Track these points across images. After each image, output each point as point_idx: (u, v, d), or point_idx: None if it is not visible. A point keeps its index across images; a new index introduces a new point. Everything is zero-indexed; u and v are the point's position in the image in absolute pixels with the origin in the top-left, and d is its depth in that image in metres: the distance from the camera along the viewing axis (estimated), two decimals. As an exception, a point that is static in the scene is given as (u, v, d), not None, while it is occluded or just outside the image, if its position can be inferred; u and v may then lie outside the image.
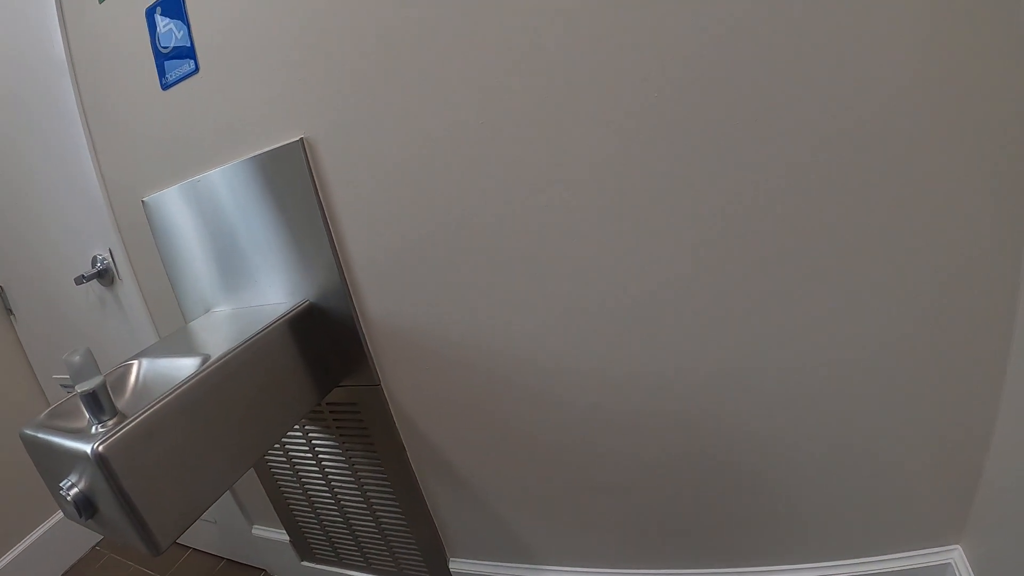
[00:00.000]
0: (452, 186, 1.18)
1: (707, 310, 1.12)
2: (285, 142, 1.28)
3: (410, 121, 1.16)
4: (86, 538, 2.61)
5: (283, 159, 1.29)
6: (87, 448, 0.92)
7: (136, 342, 1.83)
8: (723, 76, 0.95)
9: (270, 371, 1.28)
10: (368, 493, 1.68)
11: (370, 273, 1.35)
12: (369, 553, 1.84)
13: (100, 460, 0.92)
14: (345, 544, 1.87)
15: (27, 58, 1.60)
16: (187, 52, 1.32)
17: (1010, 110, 0.87)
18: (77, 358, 0.97)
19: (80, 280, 1.75)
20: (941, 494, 1.17)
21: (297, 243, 1.37)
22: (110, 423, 0.98)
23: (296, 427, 1.66)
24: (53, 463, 1.03)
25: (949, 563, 1.20)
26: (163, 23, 1.32)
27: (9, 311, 2.37)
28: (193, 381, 1.10)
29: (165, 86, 1.39)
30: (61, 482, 1.00)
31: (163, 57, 1.36)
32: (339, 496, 1.74)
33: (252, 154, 1.32)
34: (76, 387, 0.97)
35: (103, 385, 0.99)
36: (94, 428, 0.98)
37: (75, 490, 0.99)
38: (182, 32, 1.31)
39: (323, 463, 1.69)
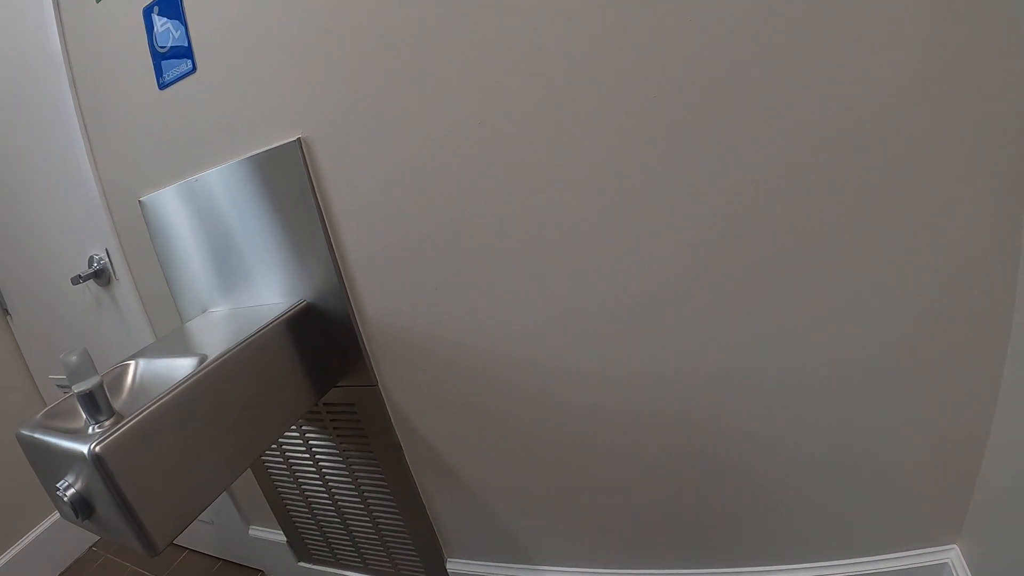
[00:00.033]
0: (451, 186, 1.18)
1: (707, 310, 1.12)
2: (282, 142, 1.28)
3: (409, 121, 1.16)
4: (83, 539, 2.61)
5: (280, 159, 1.29)
6: (84, 448, 0.92)
7: (133, 342, 1.82)
8: (723, 76, 0.95)
9: (267, 371, 1.28)
10: (365, 493, 1.68)
11: (368, 273, 1.35)
12: (366, 553, 1.84)
13: (97, 460, 0.92)
14: (342, 545, 1.87)
15: (24, 57, 1.60)
16: (184, 52, 1.32)
17: (1010, 110, 0.87)
18: (74, 358, 0.96)
19: (77, 280, 1.74)
20: (938, 494, 1.17)
21: (294, 243, 1.36)
22: (107, 423, 0.97)
23: (293, 427, 1.66)
24: (50, 464, 1.03)
25: (946, 563, 1.21)
26: (160, 23, 1.32)
27: (5, 311, 2.37)
28: (190, 381, 1.10)
29: (162, 86, 1.38)
30: (58, 483, 1.00)
31: (160, 57, 1.35)
32: (336, 496, 1.74)
33: (249, 154, 1.32)
34: (73, 387, 0.97)
35: (100, 385, 0.98)
36: (91, 428, 0.97)
37: (72, 491, 0.98)
38: (179, 32, 1.30)
39: (320, 463, 1.69)
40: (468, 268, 1.24)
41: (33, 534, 2.42)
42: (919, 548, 1.24)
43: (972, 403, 1.08)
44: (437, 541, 1.68)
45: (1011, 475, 1.04)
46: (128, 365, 1.29)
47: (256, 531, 2.09)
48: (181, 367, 1.17)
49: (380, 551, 1.80)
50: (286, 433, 1.67)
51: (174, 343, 1.39)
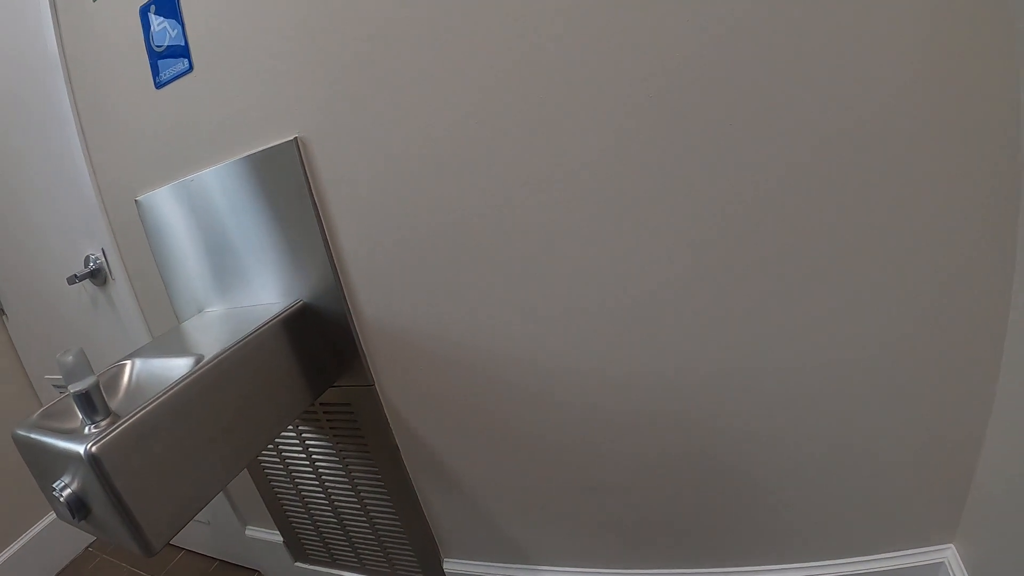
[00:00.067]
0: (449, 185, 1.18)
1: (707, 310, 1.12)
2: (279, 141, 1.27)
3: (406, 120, 1.16)
4: (79, 539, 2.60)
5: (277, 158, 1.29)
6: (80, 449, 0.91)
7: (129, 342, 1.82)
8: (723, 76, 0.95)
9: (263, 371, 1.28)
10: (362, 493, 1.67)
11: (364, 273, 1.34)
12: (363, 553, 1.84)
13: (93, 461, 0.91)
14: (339, 545, 1.87)
15: (20, 56, 1.59)
16: (181, 51, 1.31)
17: (1010, 110, 0.87)
18: (70, 358, 0.96)
19: (73, 280, 1.73)
20: (935, 494, 1.18)
21: (291, 243, 1.36)
22: (103, 423, 0.97)
23: (290, 427, 1.65)
24: (46, 464, 1.02)
25: (943, 562, 1.21)
26: (157, 22, 1.32)
27: (1, 311, 2.36)
28: (186, 381, 1.09)
29: (159, 85, 1.38)
30: (54, 483, 0.99)
31: (157, 56, 1.35)
32: (333, 496, 1.73)
33: (246, 153, 1.32)
34: (69, 387, 0.96)
35: (96, 385, 0.98)
36: (87, 428, 0.97)
37: (68, 491, 0.98)
38: (176, 31, 1.30)
39: (317, 463, 1.69)
40: (465, 268, 1.24)
41: (29, 534, 2.42)
42: (916, 547, 1.24)
43: (968, 403, 1.08)
44: (434, 541, 1.68)
45: (1007, 475, 1.04)
46: (124, 365, 1.28)
47: (252, 531, 2.09)
48: (177, 367, 1.17)
49: (377, 551, 1.79)
50: (283, 433, 1.67)
51: (170, 343, 1.39)
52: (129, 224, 1.62)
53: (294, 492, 1.80)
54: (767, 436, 1.20)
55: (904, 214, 0.96)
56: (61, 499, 0.98)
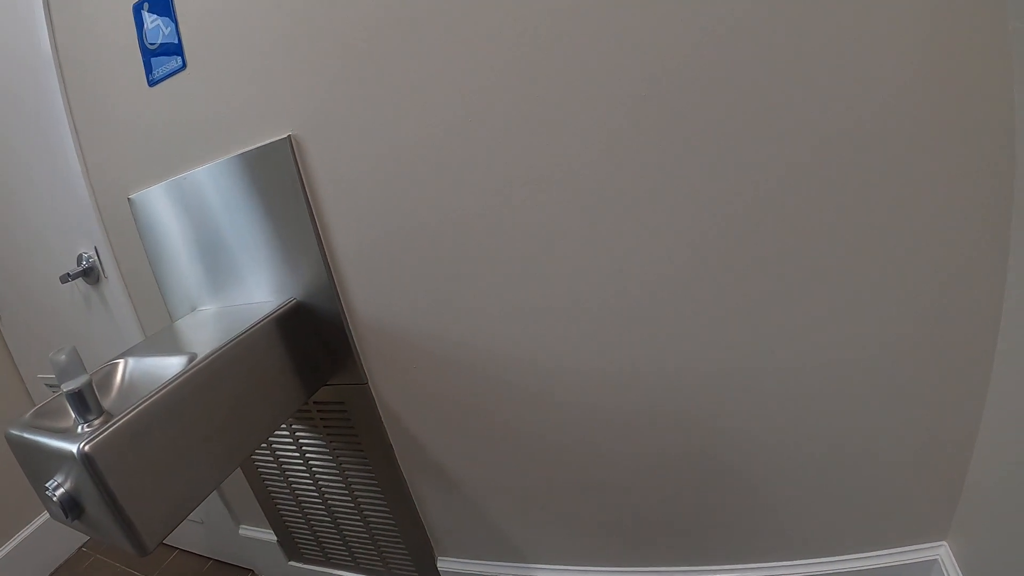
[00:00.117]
0: (444, 183, 1.18)
1: (707, 310, 1.12)
2: (272, 139, 1.27)
3: (400, 118, 1.16)
4: (73, 539, 2.59)
5: (270, 156, 1.28)
6: (73, 448, 0.91)
7: (122, 341, 1.82)
8: (723, 76, 0.95)
9: (257, 370, 1.27)
10: (355, 492, 1.67)
11: (358, 271, 1.34)
12: (357, 552, 1.83)
13: (86, 460, 0.91)
14: (333, 544, 1.86)
15: (13, 53, 1.58)
16: (174, 49, 1.31)
17: (1010, 110, 0.87)
18: (63, 357, 0.96)
19: (65, 278, 1.73)
20: (929, 492, 1.19)
21: (284, 241, 1.36)
22: (96, 422, 0.97)
23: (283, 426, 1.65)
24: (39, 463, 1.02)
25: (936, 559, 1.22)
26: (150, 19, 1.31)
27: (-7, 310, 2.35)
28: (179, 380, 1.09)
29: (152, 83, 1.37)
30: (47, 482, 0.99)
31: (150, 53, 1.35)
32: (326, 495, 1.73)
33: (239, 151, 1.32)
34: (62, 386, 0.96)
35: (89, 384, 0.98)
36: (80, 428, 0.97)
37: (61, 490, 0.98)
38: (169, 28, 1.29)
39: (310, 462, 1.69)
40: (461, 266, 1.24)
41: (22, 535, 2.41)
42: (909, 545, 1.25)
43: (962, 403, 1.09)
44: (428, 539, 1.68)
45: (999, 473, 1.05)
46: (117, 364, 1.28)
47: (246, 530, 2.08)
48: (170, 366, 1.17)
49: (371, 550, 1.79)
50: (276, 432, 1.67)
51: (163, 342, 1.38)
52: (122, 222, 1.61)
53: (288, 491, 1.80)
54: (766, 436, 1.20)
55: (904, 214, 0.96)
56: (54, 499, 0.97)
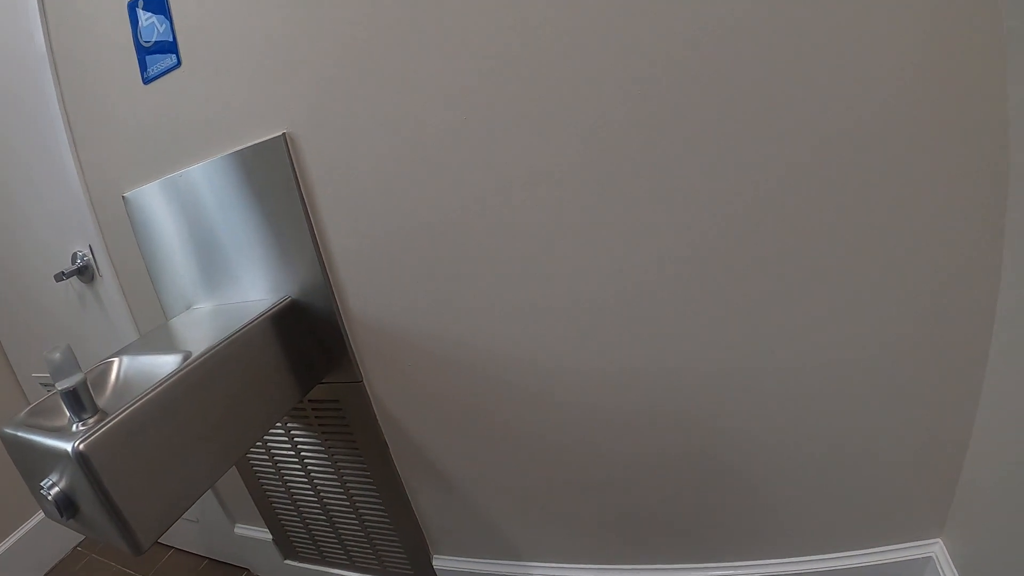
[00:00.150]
0: (439, 181, 1.18)
1: (707, 310, 1.12)
2: (267, 137, 1.27)
3: (396, 116, 1.16)
4: (68, 538, 2.59)
5: (265, 154, 1.28)
6: (68, 446, 0.91)
7: (117, 339, 1.81)
8: (723, 76, 0.95)
9: (252, 368, 1.27)
10: (351, 491, 1.67)
11: (352, 269, 1.34)
12: (352, 551, 1.83)
13: (81, 459, 0.91)
14: (328, 542, 1.86)
15: (7, 51, 1.58)
16: (169, 46, 1.31)
17: (1010, 110, 0.87)
18: (57, 355, 0.95)
19: (60, 277, 1.73)
20: (924, 490, 1.19)
21: (279, 239, 1.36)
22: (91, 421, 0.97)
23: (278, 425, 1.65)
24: (34, 462, 1.02)
25: (931, 556, 1.22)
26: (145, 17, 1.31)
27: (-13, 308, 2.35)
28: (174, 378, 1.09)
29: (147, 80, 1.37)
30: (42, 481, 0.99)
31: (145, 51, 1.34)
32: (322, 494, 1.73)
33: (234, 149, 1.31)
34: (56, 385, 0.96)
35: (84, 383, 0.97)
36: (75, 426, 0.96)
37: (56, 489, 0.98)
38: (164, 26, 1.29)
39: (305, 461, 1.69)
40: (455, 264, 1.24)
41: (17, 534, 2.41)
42: (905, 542, 1.25)
43: (957, 401, 1.09)
44: (423, 537, 1.68)
45: (993, 471, 1.06)
46: (112, 362, 1.28)
47: (242, 529, 2.08)
48: (165, 364, 1.16)
49: (366, 548, 1.79)
50: (271, 430, 1.67)
51: (158, 340, 1.38)
52: (116, 220, 1.61)
53: (283, 489, 1.80)
54: (766, 436, 1.21)
55: (903, 214, 0.97)
56: (49, 497, 0.97)
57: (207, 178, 1.37)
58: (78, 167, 1.59)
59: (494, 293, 1.24)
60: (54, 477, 0.98)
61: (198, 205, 1.42)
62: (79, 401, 0.97)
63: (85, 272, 1.77)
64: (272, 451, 1.72)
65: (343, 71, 1.16)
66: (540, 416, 1.34)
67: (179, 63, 1.31)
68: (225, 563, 2.28)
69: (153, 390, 1.05)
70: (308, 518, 1.83)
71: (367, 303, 1.37)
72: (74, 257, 1.76)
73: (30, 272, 1.97)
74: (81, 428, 0.95)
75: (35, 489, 1.02)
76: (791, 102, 0.94)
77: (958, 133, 0.90)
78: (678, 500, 1.34)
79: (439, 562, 1.70)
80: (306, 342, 1.43)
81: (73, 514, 1.00)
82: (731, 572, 1.38)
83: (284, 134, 1.25)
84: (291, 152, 1.26)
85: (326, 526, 1.81)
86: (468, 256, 1.22)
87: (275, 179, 1.29)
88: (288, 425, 1.64)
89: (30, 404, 1.12)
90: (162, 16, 1.28)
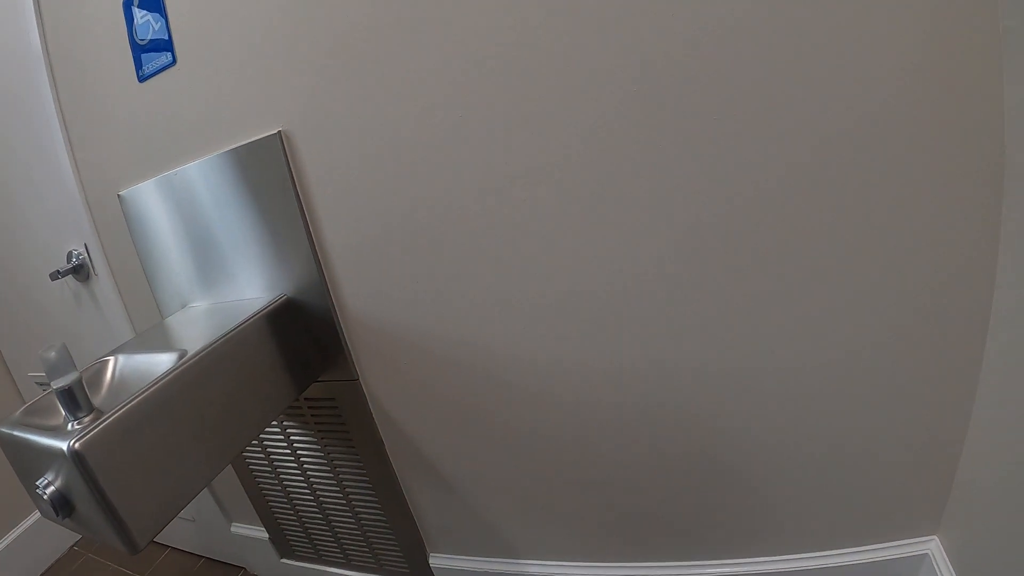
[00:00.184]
0: (434, 179, 1.17)
1: (707, 310, 1.13)
2: (263, 135, 1.27)
3: (391, 114, 1.15)
4: (64, 538, 2.59)
5: (261, 152, 1.28)
6: (63, 445, 0.91)
7: (112, 338, 1.81)
8: (723, 75, 0.95)
9: (248, 366, 1.27)
10: (347, 489, 1.67)
11: (348, 267, 1.34)
12: (349, 549, 1.83)
13: (77, 457, 0.91)
14: (324, 541, 1.86)
15: (2, 50, 1.58)
16: (164, 44, 1.30)
17: (1009, 110, 0.87)
18: (53, 354, 0.95)
19: (55, 275, 1.72)
20: (921, 488, 1.19)
21: (274, 237, 1.35)
22: (86, 420, 0.96)
23: (274, 423, 1.65)
24: (29, 461, 1.02)
25: (927, 553, 1.23)
26: (140, 15, 1.31)
27: (-18, 307, 2.34)
28: (170, 377, 1.09)
29: (142, 78, 1.37)
30: (37, 480, 0.99)
31: (140, 49, 1.34)
32: (318, 492, 1.73)
33: (230, 147, 1.31)
34: (52, 383, 0.96)
35: (79, 381, 0.97)
36: (70, 425, 0.96)
37: (52, 488, 0.97)
38: (159, 24, 1.29)
39: (302, 459, 1.68)
40: (452, 263, 1.24)
41: (13, 534, 2.40)
42: (901, 539, 1.26)
43: (954, 400, 1.09)
44: (419, 536, 1.68)
45: (989, 469, 1.06)
46: (108, 361, 1.28)
47: (238, 528, 2.08)
48: (161, 363, 1.16)
49: (363, 547, 1.79)
50: (267, 429, 1.66)
51: (154, 338, 1.38)
52: (112, 219, 1.61)
53: (279, 488, 1.80)
54: (766, 436, 1.21)
55: (903, 214, 0.97)
56: (45, 497, 0.97)
57: (203, 176, 1.37)
58: (73, 165, 1.59)
59: (491, 291, 1.24)
60: (50, 476, 0.98)
61: (194, 203, 1.42)
62: (74, 400, 0.97)
63: (81, 271, 1.77)
64: (268, 449, 1.72)
65: (339, 68, 1.16)
66: (538, 415, 1.34)
67: (174, 61, 1.31)
68: (221, 562, 2.28)
69: (148, 389, 1.05)
70: (304, 517, 1.83)
71: (363, 301, 1.37)
72: (70, 256, 1.76)
73: (25, 271, 1.96)
74: (76, 427, 0.95)
75: (31, 488, 1.02)
76: (791, 102, 0.94)
77: (956, 133, 0.90)
78: (677, 499, 1.34)
79: (435, 560, 1.70)
80: (302, 340, 1.42)
81: (69, 513, 0.99)
82: (730, 570, 1.38)
83: (280, 132, 1.25)
84: (287, 150, 1.26)
85: (322, 525, 1.81)
86: (465, 254, 1.22)
87: (271, 177, 1.29)
88: (284, 423, 1.64)
89: (26, 403, 1.12)
90: (157, 14, 1.28)
